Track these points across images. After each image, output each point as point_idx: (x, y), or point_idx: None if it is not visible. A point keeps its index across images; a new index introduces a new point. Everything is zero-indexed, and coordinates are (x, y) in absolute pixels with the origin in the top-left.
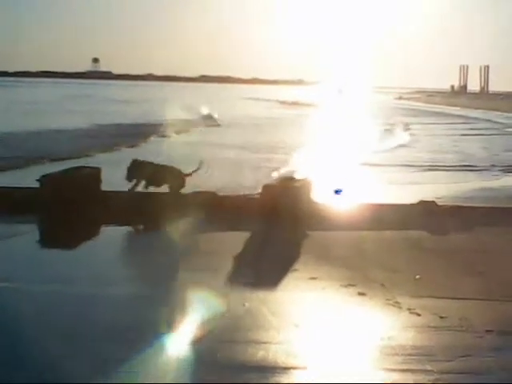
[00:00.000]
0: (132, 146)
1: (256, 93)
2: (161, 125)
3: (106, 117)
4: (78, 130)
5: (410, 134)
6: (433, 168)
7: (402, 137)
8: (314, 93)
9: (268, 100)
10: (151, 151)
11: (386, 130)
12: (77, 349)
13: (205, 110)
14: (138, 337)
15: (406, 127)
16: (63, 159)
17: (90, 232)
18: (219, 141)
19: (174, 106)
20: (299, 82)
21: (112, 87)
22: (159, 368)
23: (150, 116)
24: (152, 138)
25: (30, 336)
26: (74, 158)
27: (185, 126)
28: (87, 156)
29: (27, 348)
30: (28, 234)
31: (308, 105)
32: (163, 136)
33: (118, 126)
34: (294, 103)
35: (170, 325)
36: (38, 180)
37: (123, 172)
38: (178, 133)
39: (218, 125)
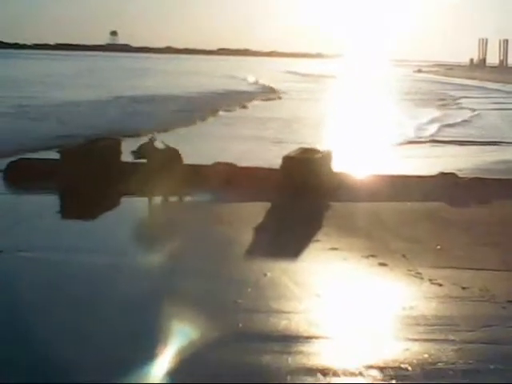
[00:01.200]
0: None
1: (290, 66)
2: (234, 95)
3: (175, 89)
4: (150, 101)
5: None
6: (456, 142)
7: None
8: (342, 66)
9: (307, 74)
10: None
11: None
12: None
13: (263, 82)
14: (159, 307)
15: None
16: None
17: (110, 203)
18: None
19: (224, 78)
20: (318, 56)
21: (146, 60)
22: (180, 338)
23: (213, 87)
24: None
25: (51, 305)
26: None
27: (255, 97)
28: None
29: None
30: (49, 204)
31: (342, 78)
32: (245, 107)
33: (190, 98)
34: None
35: (188, 295)
36: (57, 152)
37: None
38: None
39: (280, 97)
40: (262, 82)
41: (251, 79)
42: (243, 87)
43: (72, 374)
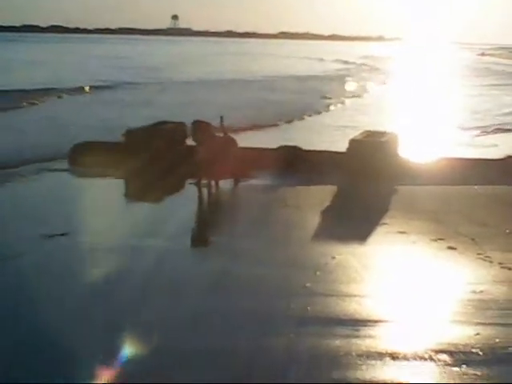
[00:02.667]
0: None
1: (360, 50)
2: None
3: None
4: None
5: None
6: None
7: None
8: (406, 49)
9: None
10: None
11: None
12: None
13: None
14: (225, 291)
15: None
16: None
17: (175, 186)
18: None
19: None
20: (379, 39)
21: (214, 44)
22: (248, 322)
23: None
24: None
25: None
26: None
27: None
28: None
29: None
30: (114, 187)
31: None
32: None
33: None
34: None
35: (256, 279)
36: (122, 134)
37: None
38: None
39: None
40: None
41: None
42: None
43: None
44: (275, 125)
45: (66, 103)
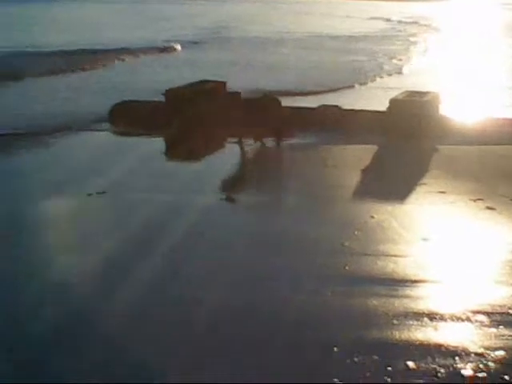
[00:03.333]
0: None
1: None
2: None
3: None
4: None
5: None
6: None
7: None
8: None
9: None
10: None
11: None
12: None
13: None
14: (264, 247)
15: None
16: None
17: (216, 145)
18: None
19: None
20: None
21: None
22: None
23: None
24: None
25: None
26: None
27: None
28: None
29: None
30: (153, 146)
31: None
32: None
33: None
34: None
35: (295, 237)
36: (162, 94)
37: None
38: None
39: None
40: None
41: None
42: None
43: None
44: (351, 86)
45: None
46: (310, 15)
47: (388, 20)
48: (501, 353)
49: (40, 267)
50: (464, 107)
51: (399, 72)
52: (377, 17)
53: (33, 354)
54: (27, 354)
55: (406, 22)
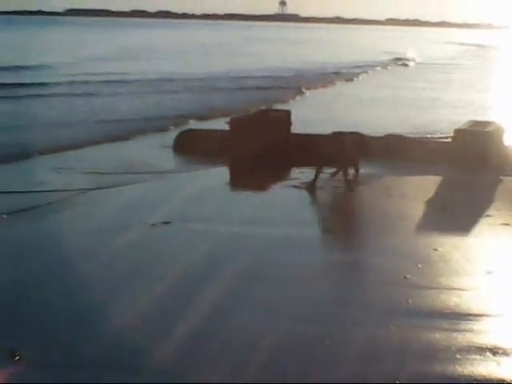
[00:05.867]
0: None
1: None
2: None
3: None
4: None
5: None
6: None
7: None
8: None
9: None
10: None
11: None
12: None
13: None
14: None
15: None
16: None
17: (278, 174)
18: None
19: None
20: (488, 26)
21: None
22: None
23: None
24: None
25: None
26: None
27: None
28: None
29: None
30: (219, 176)
31: None
32: None
33: None
34: None
35: (357, 268)
36: (227, 122)
37: None
38: None
39: None
40: None
41: None
42: None
43: None
44: None
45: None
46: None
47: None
48: None
49: None
50: None
51: None
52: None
53: None
54: None
55: None
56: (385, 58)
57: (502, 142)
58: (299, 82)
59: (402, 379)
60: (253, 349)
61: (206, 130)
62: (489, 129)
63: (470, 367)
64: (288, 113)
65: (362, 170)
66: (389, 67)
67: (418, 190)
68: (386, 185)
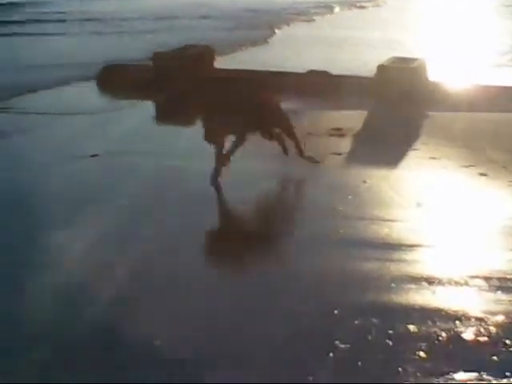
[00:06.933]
0: None
1: None
2: None
3: None
4: None
5: None
6: None
7: None
8: None
9: None
10: None
11: None
12: None
13: None
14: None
15: None
16: None
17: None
18: None
19: None
20: None
21: None
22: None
23: None
24: None
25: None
26: None
27: None
28: None
29: None
30: (142, 110)
31: None
32: None
33: None
34: None
35: (288, 201)
36: (151, 58)
37: None
38: None
39: None
40: None
41: None
42: None
43: None
44: None
45: None
46: None
47: None
48: (501, 317)
49: None
50: (452, 74)
51: None
52: None
53: None
54: None
55: None
56: None
57: (426, 77)
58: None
59: (340, 308)
60: None
61: (130, 65)
62: (413, 65)
63: (406, 296)
64: (210, 48)
65: (286, 105)
66: None
67: (343, 124)
68: (311, 120)
